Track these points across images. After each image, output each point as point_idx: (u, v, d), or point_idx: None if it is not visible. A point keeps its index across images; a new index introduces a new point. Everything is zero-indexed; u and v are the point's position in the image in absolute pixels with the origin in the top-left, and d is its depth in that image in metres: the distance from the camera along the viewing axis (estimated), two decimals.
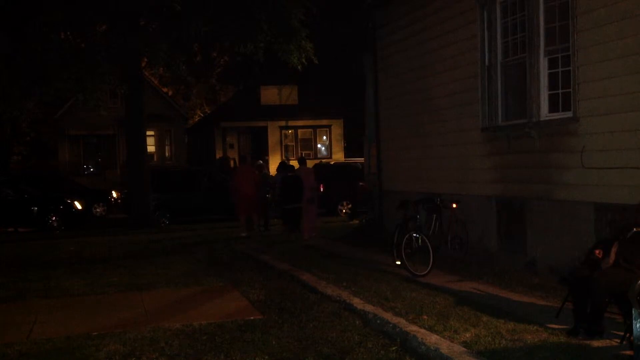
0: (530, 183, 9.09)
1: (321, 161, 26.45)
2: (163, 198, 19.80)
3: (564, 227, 8.49)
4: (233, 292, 8.61)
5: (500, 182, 9.79)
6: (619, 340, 5.55)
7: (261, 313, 7.29)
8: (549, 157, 8.71)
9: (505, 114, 9.65)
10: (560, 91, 8.54)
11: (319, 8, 17.43)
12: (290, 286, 8.83)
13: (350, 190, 20.45)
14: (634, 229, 5.86)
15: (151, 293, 8.77)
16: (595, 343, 5.60)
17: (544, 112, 8.75)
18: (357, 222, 17.02)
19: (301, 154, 30.92)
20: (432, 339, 5.74)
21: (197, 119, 44.28)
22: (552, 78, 8.67)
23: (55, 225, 19.30)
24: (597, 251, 6.10)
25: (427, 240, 9.34)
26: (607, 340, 5.66)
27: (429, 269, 9.00)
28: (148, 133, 23.77)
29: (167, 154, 37.76)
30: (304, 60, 17.44)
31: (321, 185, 18.83)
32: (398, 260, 9.62)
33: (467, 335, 5.94)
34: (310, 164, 16.90)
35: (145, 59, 19.10)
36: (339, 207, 21.63)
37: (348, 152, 33.63)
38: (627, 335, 5.30)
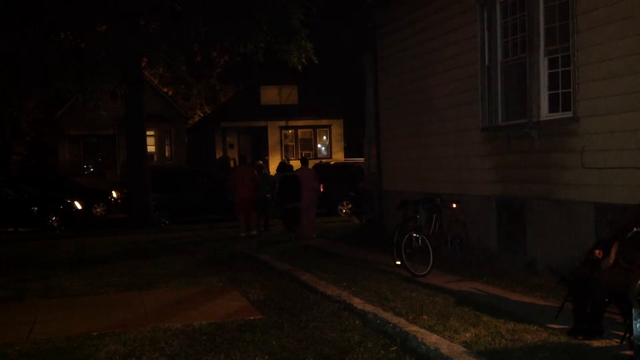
0: (530, 183, 9.09)
1: (321, 161, 26.46)
2: (163, 198, 19.80)
3: (564, 227, 8.49)
4: (233, 292, 8.60)
5: (500, 182, 9.79)
6: (619, 340, 5.55)
7: (261, 313, 7.29)
8: (549, 157, 8.71)
9: (505, 114, 9.65)
10: (560, 91, 8.54)
11: (319, 8, 17.43)
12: (290, 286, 8.83)
13: (351, 190, 20.49)
14: (634, 229, 5.86)
15: (151, 293, 8.76)
16: (595, 343, 5.60)
17: (544, 112, 8.75)
18: (358, 221, 17.04)
19: (301, 154, 30.91)
20: (432, 339, 5.74)
21: (197, 119, 44.29)
22: (552, 78, 8.67)
23: (55, 225, 19.30)
24: (597, 251, 6.10)
25: (427, 240, 9.34)
26: (607, 340, 5.66)
27: (429, 269, 9.01)
28: (148, 133, 23.80)
29: (167, 154, 37.78)
30: (304, 60, 17.44)
31: (321, 185, 18.82)
32: (398, 260, 9.62)
33: (467, 335, 5.94)
34: (310, 164, 16.89)
35: (145, 59, 19.09)
36: (339, 207, 21.66)
37: (348, 152, 33.62)
38: (627, 335, 5.29)
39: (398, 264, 9.60)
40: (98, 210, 23.69)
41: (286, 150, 33.43)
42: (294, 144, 33.68)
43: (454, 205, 10.56)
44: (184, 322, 6.93)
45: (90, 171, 36.74)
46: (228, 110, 34.66)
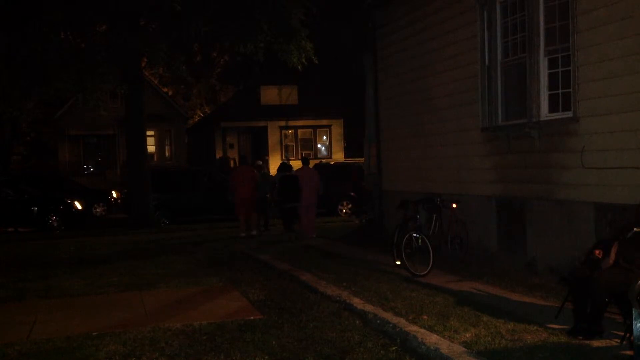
0: (530, 183, 9.09)
1: (321, 161, 26.46)
2: (163, 198, 19.80)
3: (564, 227, 8.49)
4: (233, 292, 8.60)
5: (500, 182, 9.79)
6: (619, 340, 5.55)
7: (261, 313, 7.29)
8: (549, 157, 8.71)
9: (505, 114, 9.65)
10: (560, 91, 8.54)
11: (319, 8, 17.43)
12: (290, 286, 8.83)
13: (351, 190, 20.48)
14: (634, 229, 5.85)
15: (151, 293, 8.76)
16: (595, 343, 5.60)
17: (544, 112, 8.75)
18: (357, 221, 17.03)
19: (301, 154, 30.93)
20: (432, 339, 5.74)
21: (197, 119, 44.30)
22: (552, 78, 8.67)
23: (55, 225, 19.30)
24: (597, 251, 6.10)
25: (427, 240, 9.34)
26: (607, 340, 5.66)
27: (428, 269, 9.01)
28: (148, 133, 23.79)
29: (167, 154, 37.78)
30: (304, 60, 17.44)
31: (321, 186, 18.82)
32: (398, 260, 9.62)
33: (467, 335, 5.94)
34: (310, 164, 16.89)
35: (145, 59, 19.09)
36: (339, 207, 21.67)
37: (348, 152, 33.62)
38: (627, 335, 5.29)
39: (398, 264, 9.60)
40: (98, 210, 23.70)
41: (286, 150, 33.43)
42: (294, 144, 33.69)
43: (454, 205, 10.56)
44: (184, 322, 6.93)
45: (90, 171, 36.74)
46: (228, 110, 34.67)
